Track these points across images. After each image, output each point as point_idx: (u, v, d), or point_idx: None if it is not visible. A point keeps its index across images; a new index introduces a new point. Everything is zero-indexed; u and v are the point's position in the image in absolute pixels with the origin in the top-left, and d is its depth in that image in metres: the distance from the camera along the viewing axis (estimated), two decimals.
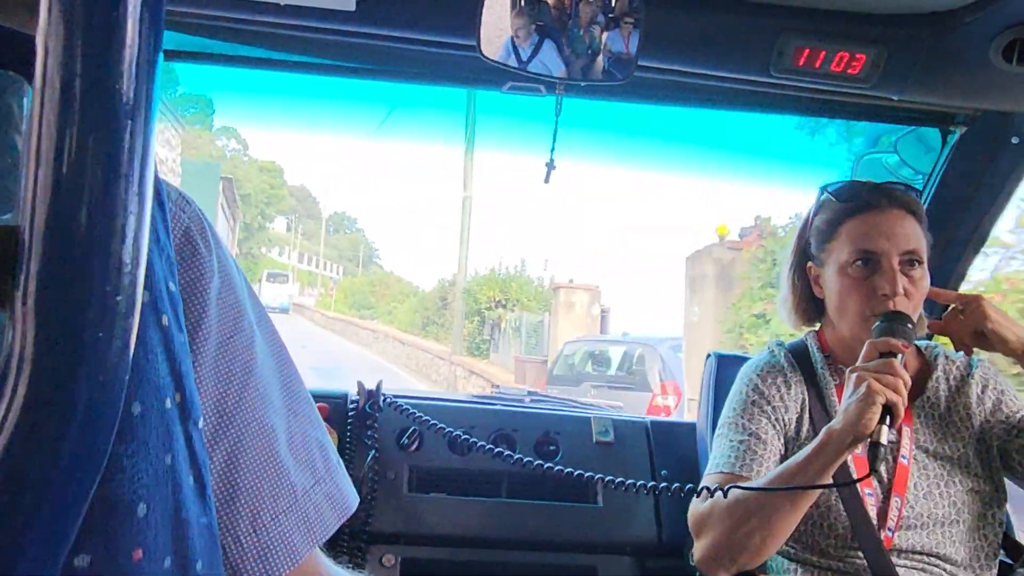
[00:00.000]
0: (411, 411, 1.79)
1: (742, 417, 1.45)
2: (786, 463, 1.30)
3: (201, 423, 0.52)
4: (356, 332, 27.00)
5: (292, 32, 1.52)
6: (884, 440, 1.19)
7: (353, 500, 0.66)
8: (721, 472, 1.40)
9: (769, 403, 1.45)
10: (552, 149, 1.53)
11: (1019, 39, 1.43)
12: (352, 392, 1.88)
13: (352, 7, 1.43)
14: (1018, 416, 1.46)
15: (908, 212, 1.42)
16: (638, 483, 1.58)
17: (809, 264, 1.52)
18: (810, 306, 1.55)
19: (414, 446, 1.84)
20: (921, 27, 1.48)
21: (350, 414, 1.83)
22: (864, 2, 1.45)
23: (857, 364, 1.28)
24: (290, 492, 0.58)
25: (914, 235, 1.40)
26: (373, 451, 1.77)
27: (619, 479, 1.59)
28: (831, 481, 1.29)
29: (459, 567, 1.83)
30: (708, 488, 1.34)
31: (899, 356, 1.25)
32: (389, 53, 1.59)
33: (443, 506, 1.82)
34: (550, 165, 1.52)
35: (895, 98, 1.62)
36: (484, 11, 1.47)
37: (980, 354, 1.53)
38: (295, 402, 0.63)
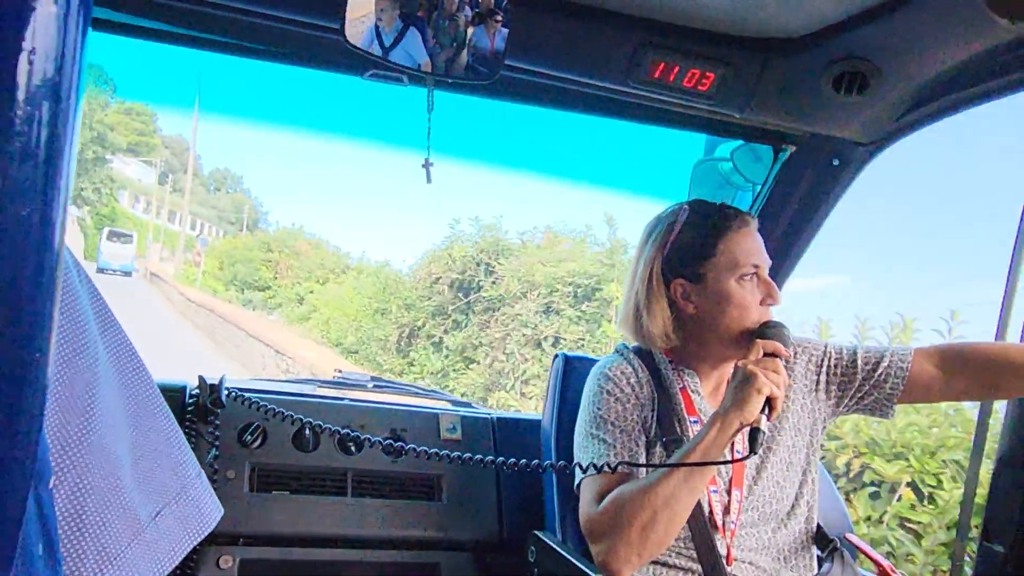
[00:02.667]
0: (255, 402, 1.71)
1: (609, 415, 1.50)
2: (677, 453, 1.38)
3: (52, 480, 0.48)
4: (233, 336, 15.19)
5: None
6: (764, 427, 1.32)
7: (213, 514, 0.63)
8: (605, 474, 1.43)
9: (629, 400, 1.51)
10: (428, 146, 1.50)
11: (848, 71, 1.57)
12: (192, 384, 1.77)
13: None
14: (867, 367, 1.56)
15: (757, 231, 1.54)
16: (533, 462, 1.51)
17: (677, 281, 1.53)
18: (675, 322, 1.55)
19: (257, 443, 1.76)
20: (764, 52, 1.59)
21: (188, 409, 1.72)
22: (718, 23, 1.54)
23: (747, 361, 1.37)
24: (134, 522, 0.55)
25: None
26: (213, 449, 1.68)
27: (521, 460, 1.52)
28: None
29: (300, 567, 1.77)
30: (595, 464, 1.41)
31: (782, 359, 1.38)
32: (252, 28, 1.51)
33: (286, 505, 1.76)
34: (427, 163, 1.48)
35: (737, 115, 1.73)
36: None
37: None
38: (145, 416, 0.59)
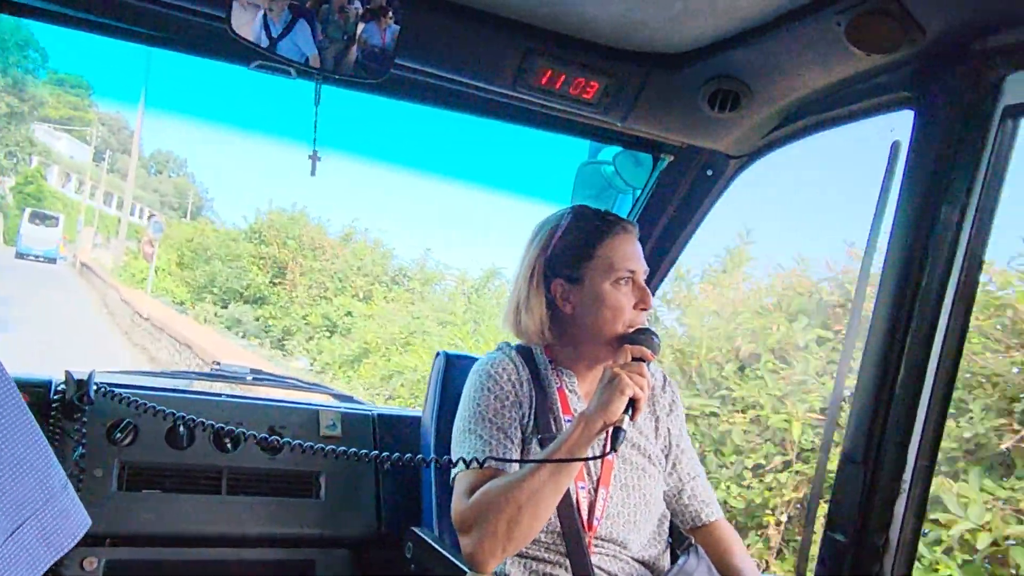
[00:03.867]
0: (126, 398, 1.64)
1: (487, 411, 1.54)
2: (544, 450, 1.43)
3: None
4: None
5: None
6: (626, 427, 1.39)
7: (79, 525, 0.61)
8: (479, 466, 1.46)
9: (508, 398, 1.55)
10: (314, 139, 1.48)
11: (722, 89, 1.66)
12: (58, 379, 1.68)
13: None
14: (676, 451, 1.70)
15: (637, 239, 1.60)
16: (406, 456, 1.50)
17: (557, 281, 1.58)
18: (552, 321, 1.61)
19: (127, 440, 1.70)
20: (647, 66, 1.66)
21: (54, 406, 1.63)
22: (604, 35, 1.60)
23: (613, 364, 1.44)
24: None
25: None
26: (79, 447, 1.60)
27: (406, 455, 1.52)
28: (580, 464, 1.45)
29: (171, 567, 1.72)
30: (464, 459, 1.44)
31: (648, 363, 1.45)
32: (141, 13, 1.45)
33: (156, 504, 1.70)
34: (314, 156, 1.46)
35: (619, 124, 1.80)
36: None
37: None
38: (4, 424, 0.57)
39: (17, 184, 35.35)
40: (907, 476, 1.49)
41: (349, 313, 14.51)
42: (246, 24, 1.47)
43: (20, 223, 28.99)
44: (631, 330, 1.53)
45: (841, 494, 1.51)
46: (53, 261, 28.11)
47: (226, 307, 17.22)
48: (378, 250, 17.87)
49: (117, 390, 1.67)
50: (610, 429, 1.39)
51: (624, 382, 1.39)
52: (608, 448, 1.40)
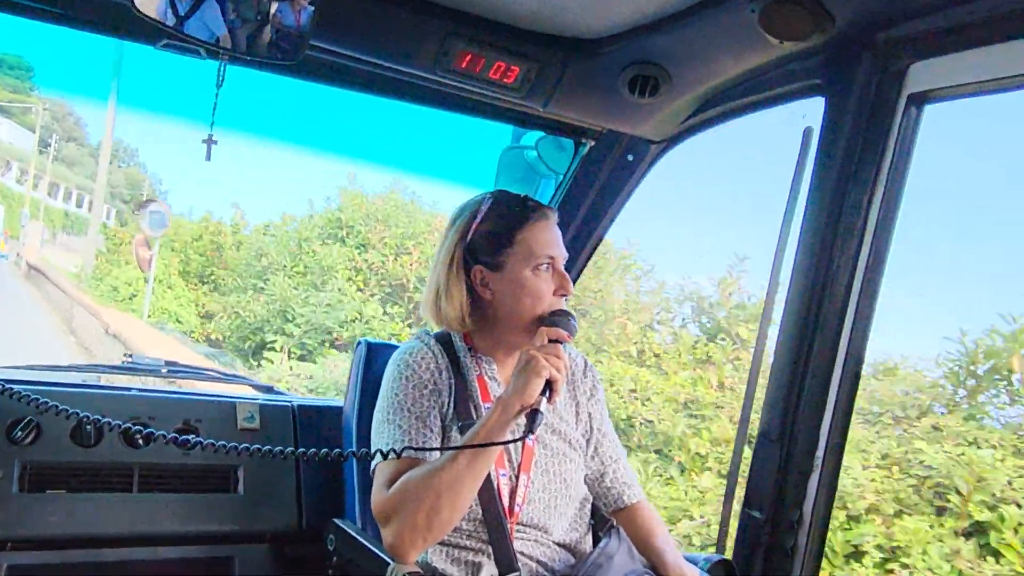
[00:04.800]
0: (26, 396, 1.55)
1: (406, 401, 1.51)
2: (465, 436, 1.42)
3: None
4: None
5: None
6: (543, 409, 1.38)
7: None
8: (396, 457, 1.44)
9: (427, 387, 1.53)
10: (212, 123, 1.42)
11: (642, 75, 1.67)
12: None
13: None
14: (597, 435, 1.71)
15: (556, 223, 1.60)
16: (322, 451, 1.47)
17: (477, 267, 1.57)
18: (472, 307, 1.59)
19: (29, 439, 1.62)
20: (567, 50, 1.66)
21: None
22: (524, 19, 1.59)
23: (530, 346, 1.43)
24: None
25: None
26: None
27: (322, 450, 1.47)
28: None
29: (80, 569, 1.65)
30: (382, 451, 1.41)
31: (564, 345, 1.45)
32: None
33: (62, 505, 1.63)
34: (210, 140, 1.41)
35: (540, 109, 1.79)
36: None
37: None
38: None
39: None
40: (819, 453, 1.54)
41: None
42: (151, 1, 1.41)
43: None
44: (548, 314, 1.53)
45: (758, 472, 1.56)
46: None
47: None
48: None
49: (16, 387, 1.58)
50: (528, 412, 1.39)
51: (540, 364, 1.39)
52: (527, 431, 1.39)
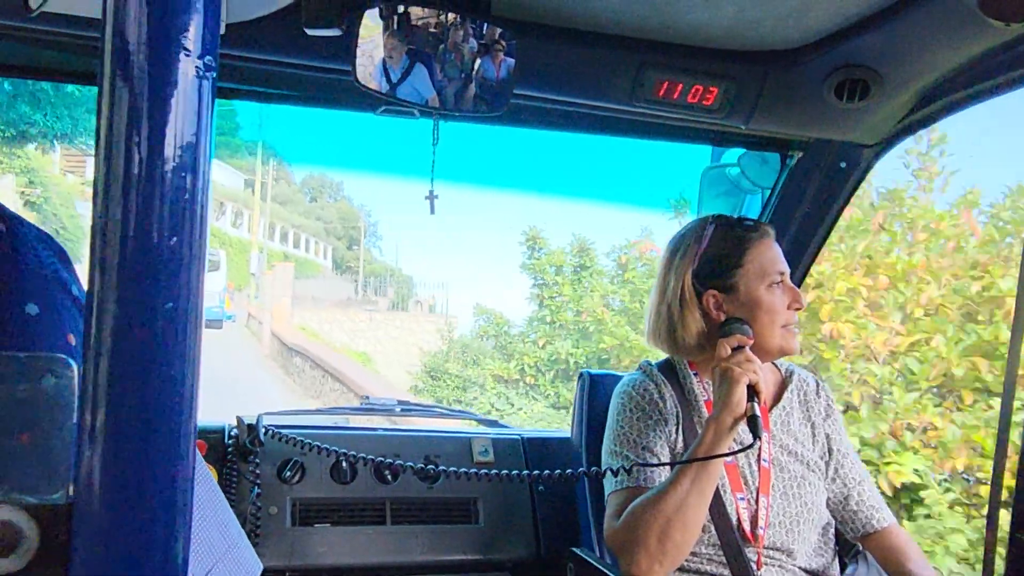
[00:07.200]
0: (294, 439, 1.75)
1: (631, 432, 1.54)
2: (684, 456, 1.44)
3: None
4: None
5: None
6: (757, 412, 1.39)
7: (253, 570, 0.65)
8: (626, 487, 1.48)
9: (651, 417, 1.55)
10: (432, 177, 1.53)
11: (848, 79, 1.59)
12: (231, 424, 1.82)
13: (222, 30, 1.39)
14: (837, 456, 1.64)
15: (775, 240, 1.60)
16: (554, 472, 1.57)
17: (709, 292, 1.57)
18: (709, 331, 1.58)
19: (296, 478, 1.81)
20: (765, 64, 1.62)
21: (229, 449, 1.77)
22: (718, 39, 1.58)
23: (718, 361, 1.44)
24: None
25: None
26: (255, 487, 1.72)
27: (545, 472, 1.58)
28: (722, 468, 1.47)
29: None
30: (612, 468, 1.48)
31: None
32: (272, 76, 1.57)
33: (328, 537, 1.79)
34: (431, 195, 1.52)
35: (742, 127, 1.76)
36: (359, 41, 1.47)
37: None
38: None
39: None
40: None
41: None
42: (369, 74, 1.55)
43: None
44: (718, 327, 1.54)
45: None
46: (220, 324, 18.27)
47: None
48: None
49: (283, 431, 1.78)
50: (745, 421, 1.39)
51: (736, 371, 1.40)
52: (754, 437, 1.38)
